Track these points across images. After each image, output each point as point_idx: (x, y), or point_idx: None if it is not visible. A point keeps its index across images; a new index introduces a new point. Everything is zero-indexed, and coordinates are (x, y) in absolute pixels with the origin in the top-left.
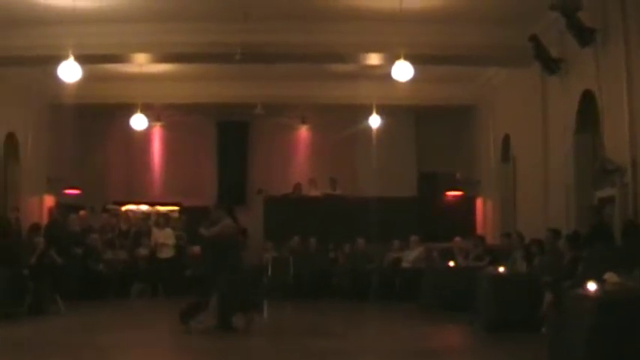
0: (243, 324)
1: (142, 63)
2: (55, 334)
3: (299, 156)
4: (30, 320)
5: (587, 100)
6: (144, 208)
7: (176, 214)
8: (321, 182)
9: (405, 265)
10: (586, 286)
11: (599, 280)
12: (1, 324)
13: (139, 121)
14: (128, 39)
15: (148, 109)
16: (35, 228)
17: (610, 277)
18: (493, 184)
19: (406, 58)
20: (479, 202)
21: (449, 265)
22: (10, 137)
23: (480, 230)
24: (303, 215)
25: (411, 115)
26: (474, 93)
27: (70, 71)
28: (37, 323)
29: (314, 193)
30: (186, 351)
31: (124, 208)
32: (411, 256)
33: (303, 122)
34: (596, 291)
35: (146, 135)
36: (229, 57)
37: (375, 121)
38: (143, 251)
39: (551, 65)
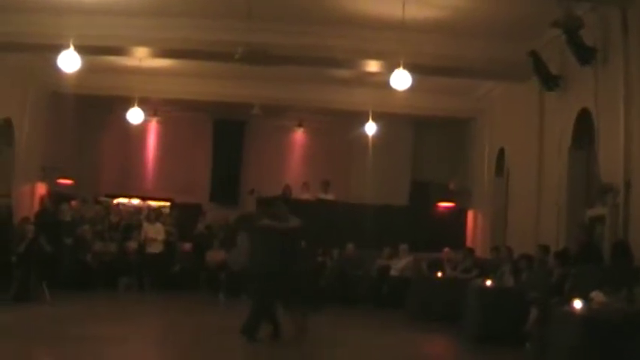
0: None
1: (141, 57)
2: (40, 323)
3: (294, 158)
4: (15, 307)
5: (584, 119)
6: (136, 201)
7: (167, 210)
8: (315, 186)
9: (393, 273)
10: (572, 303)
11: (585, 298)
12: None
13: (135, 115)
14: (129, 32)
15: (145, 104)
16: (26, 217)
17: (597, 296)
18: (485, 197)
19: (405, 67)
20: (470, 214)
21: (437, 276)
22: (6, 122)
23: (469, 242)
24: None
25: (407, 124)
26: (471, 105)
27: (69, 61)
28: (22, 311)
29: (306, 196)
30: (167, 345)
31: (115, 201)
32: (400, 264)
33: (300, 125)
34: (582, 309)
35: (142, 129)
36: (229, 55)
37: (371, 128)
38: (132, 245)
39: (549, 81)
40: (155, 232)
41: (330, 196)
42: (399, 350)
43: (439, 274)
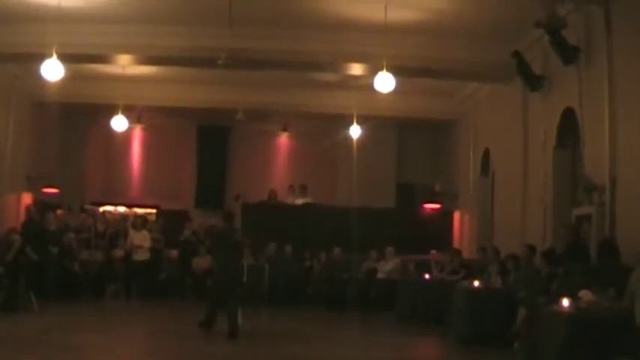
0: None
1: (124, 64)
2: (28, 332)
3: (278, 163)
4: (3, 317)
5: (568, 118)
6: (121, 209)
7: (153, 217)
8: (302, 189)
9: (380, 275)
10: (560, 302)
11: (573, 297)
12: None
13: (119, 123)
14: (112, 39)
15: (129, 111)
16: (12, 227)
17: (584, 294)
18: (471, 198)
19: (388, 69)
20: (456, 216)
21: (424, 278)
22: None
23: (456, 244)
24: (280, 222)
25: (391, 127)
26: (455, 106)
27: (52, 69)
28: (10, 321)
29: (292, 200)
30: (157, 355)
31: (101, 209)
32: (387, 267)
33: (284, 129)
34: (570, 308)
35: (126, 136)
36: (212, 61)
37: (355, 131)
38: (119, 252)
39: (533, 82)
40: (141, 239)
41: (307, 200)
42: (386, 353)
43: (426, 276)
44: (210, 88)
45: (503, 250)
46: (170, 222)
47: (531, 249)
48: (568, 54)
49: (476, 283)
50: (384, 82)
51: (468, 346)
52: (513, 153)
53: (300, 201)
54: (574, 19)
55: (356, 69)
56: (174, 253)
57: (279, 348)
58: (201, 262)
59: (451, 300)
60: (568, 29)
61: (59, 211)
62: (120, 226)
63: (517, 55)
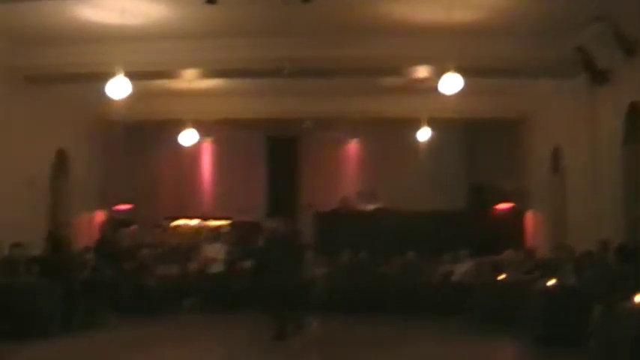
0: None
1: (190, 79)
2: (106, 349)
3: (349, 170)
4: (81, 335)
5: (636, 112)
6: (194, 222)
7: (226, 229)
8: (371, 196)
9: (455, 278)
10: (635, 299)
11: None
12: (53, 339)
13: (188, 137)
14: (176, 55)
15: (197, 125)
16: (87, 246)
17: None
18: (543, 197)
19: (455, 70)
20: (529, 215)
21: (499, 279)
22: (60, 153)
23: (530, 243)
24: (353, 229)
25: (460, 128)
26: (523, 105)
27: (119, 88)
28: (88, 338)
29: (362, 206)
30: None
31: (174, 223)
32: (461, 269)
33: (353, 136)
34: None
35: (196, 150)
36: (278, 72)
37: (424, 134)
38: (193, 266)
39: (598, 76)
40: (215, 251)
41: (377, 205)
42: (463, 357)
43: (501, 277)
44: (277, 99)
45: (578, 248)
46: (243, 233)
47: (604, 245)
48: (630, 47)
49: (551, 282)
50: (451, 84)
51: (543, 346)
52: (583, 149)
53: (370, 207)
54: (635, 11)
55: (422, 72)
56: (248, 264)
57: (360, 355)
58: None
59: (527, 301)
60: (629, 21)
61: (132, 227)
62: (193, 240)
63: (580, 50)
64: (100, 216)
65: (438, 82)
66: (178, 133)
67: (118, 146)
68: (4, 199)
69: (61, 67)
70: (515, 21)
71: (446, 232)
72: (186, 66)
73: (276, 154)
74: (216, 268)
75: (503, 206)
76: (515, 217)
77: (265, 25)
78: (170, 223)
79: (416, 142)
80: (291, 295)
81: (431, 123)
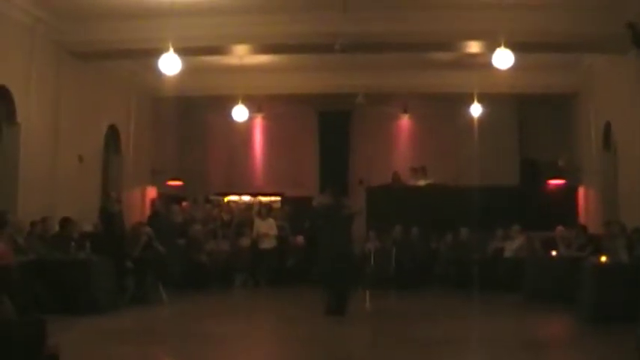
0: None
1: (241, 55)
2: (158, 324)
3: (400, 145)
4: (133, 310)
5: None
6: (246, 198)
7: (278, 204)
8: (422, 171)
9: (507, 254)
10: None
11: None
12: (105, 314)
13: (240, 113)
14: (227, 31)
15: (248, 101)
16: (139, 221)
17: None
18: (595, 173)
19: (506, 45)
20: (581, 191)
21: (551, 255)
22: (112, 129)
23: (582, 219)
24: (405, 205)
25: (512, 103)
26: (574, 80)
27: (170, 64)
28: (140, 313)
29: (414, 182)
30: (289, 340)
31: (226, 199)
32: (513, 245)
33: (405, 111)
34: None
35: (247, 126)
36: (329, 47)
37: (476, 109)
38: (245, 242)
39: None
40: (267, 227)
41: (428, 181)
42: (516, 333)
43: (553, 253)
44: (328, 74)
45: (630, 224)
46: (295, 209)
47: None
48: None
49: (603, 259)
50: (503, 59)
51: (595, 323)
52: (635, 125)
53: (422, 182)
54: None
55: (474, 47)
56: (301, 239)
57: (412, 329)
58: None
59: (579, 277)
60: None
61: (184, 203)
62: (245, 216)
63: (631, 25)
64: (151, 192)
65: (489, 57)
66: (230, 109)
67: (169, 122)
68: (55, 176)
69: (112, 43)
70: None
71: (498, 208)
72: (237, 41)
73: (328, 129)
74: (268, 243)
75: (555, 182)
76: (567, 193)
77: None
78: (221, 199)
79: (468, 117)
80: (342, 270)
81: (483, 98)
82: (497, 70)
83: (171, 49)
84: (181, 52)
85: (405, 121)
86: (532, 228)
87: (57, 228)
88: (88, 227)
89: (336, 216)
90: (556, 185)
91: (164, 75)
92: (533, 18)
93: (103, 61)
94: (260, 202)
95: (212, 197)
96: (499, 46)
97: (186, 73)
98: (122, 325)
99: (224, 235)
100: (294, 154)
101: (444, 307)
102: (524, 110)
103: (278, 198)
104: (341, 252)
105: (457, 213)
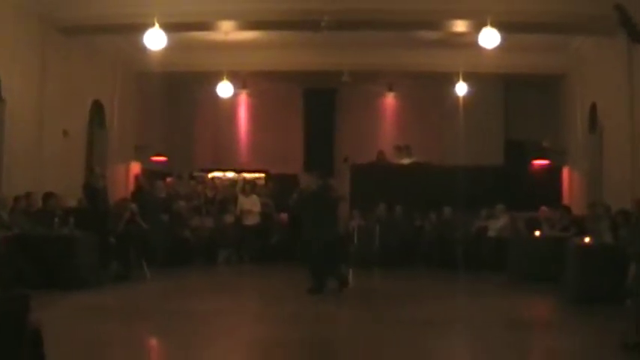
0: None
1: (227, 30)
2: (141, 301)
3: (385, 123)
4: (116, 287)
5: None
6: (230, 175)
7: (262, 181)
8: (406, 149)
9: (490, 234)
10: None
11: None
12: (88, 290)
13: (224, 89)
14: (213, 6)
15: (234, 77)
16: (123, 197)
17: None
18: (580, 154)
19: (493, 25)
20: (566, 172)
21: (535, 235)
22: (97, 104)
23: (566, 200)
24: (390, 183)
25: (498, 83)
26: (561, 61)
27: (155, 39)
28: (123, 290)
29: (398, 160)
30: (273, 318)
31: (210, 175)
32: (497, 225)
33: (390, 90)
34: None
35: (232, 102)
36: (315, 24)
37: (461, 88)
38: (229, 218)
39: (635, 35)
40: (251, 204)
41: (413, 159)
42: (499, 313)
43: (537, 234)
44: (314, 51)
45: (614, 206)
46: (279, 186)
47: None
48: None
49: (587, 240)
50: (489, 38)
51: (579, 304)
52: (620, 107)
53: (406, 161)
54: None
55: (460, 26)
56: (285, 217)
57: (397, 310)
58: None
59: (562, 258)
60: None
61: (168, 179)
62: (229, 192)
63: (619, 8)
64: (135, 168)
65: (476, 37)
66: (214, 85)
67: (153, 98)
68: (40, 152)
69: (97, 18)
70: None
71: (482, 188)
72: (223, 17)
73: (313, 106)
74: (252, 220)
75: (540, 162)
76: (552, 174)
77: None
78: (206, 175)
79: (453, 96)
80: (326, 248)
81: (469, 78)
82: (483, 49)
83: (157, 25)
84: (166, 27)
85: (390, 100)
86: (516, 208)
87: (41, 203)
88: (72, 202)
89: (323, 198)
90: (541, 166)
91: (149, 50)
92: None
93: (88, 37)
94: (244, 179)
95: (196, 173)
96: (485, 25)
97: (172, 48)
98: (105, 302)
99: (208, 212)
100: (279, 131)
101: (428, 287)
102: (511, 91)
103: (262, 175)
104: (328, 234)
105: (442, 192)
